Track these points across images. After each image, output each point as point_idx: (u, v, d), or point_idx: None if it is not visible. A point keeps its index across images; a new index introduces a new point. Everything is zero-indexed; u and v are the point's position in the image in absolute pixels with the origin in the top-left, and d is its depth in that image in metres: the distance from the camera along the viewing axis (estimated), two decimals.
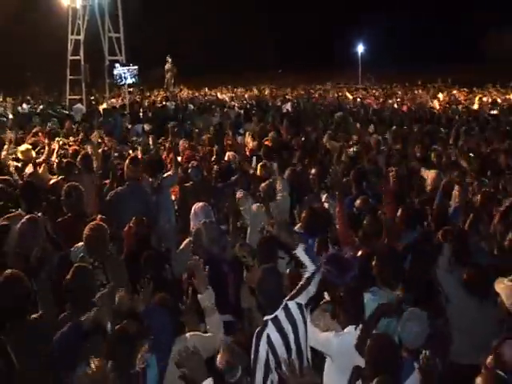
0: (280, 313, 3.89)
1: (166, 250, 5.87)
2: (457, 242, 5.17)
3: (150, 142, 10.67)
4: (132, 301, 4.01)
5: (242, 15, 37.98)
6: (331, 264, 4.63)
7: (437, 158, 9.02)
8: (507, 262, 5.04)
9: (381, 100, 22.86)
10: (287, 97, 24.58)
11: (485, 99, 21.38)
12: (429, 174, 8.25)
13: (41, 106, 19.89)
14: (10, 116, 15.60)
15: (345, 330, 4.07)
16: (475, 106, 19.56)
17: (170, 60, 22.82)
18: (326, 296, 4.57)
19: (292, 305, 3.96)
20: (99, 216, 6.03)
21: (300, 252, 4.12)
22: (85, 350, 3.54)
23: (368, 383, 3.48)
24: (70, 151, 9.19)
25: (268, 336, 3.80)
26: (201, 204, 6.20)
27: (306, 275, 4.09)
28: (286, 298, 3.99)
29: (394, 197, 6.40)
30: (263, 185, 7.00)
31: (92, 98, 22.42)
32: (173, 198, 7.66)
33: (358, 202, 6.43)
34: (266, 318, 3.91)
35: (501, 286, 4.10)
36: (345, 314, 4.11)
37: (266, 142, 10.28)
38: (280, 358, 3.76)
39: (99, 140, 10.60)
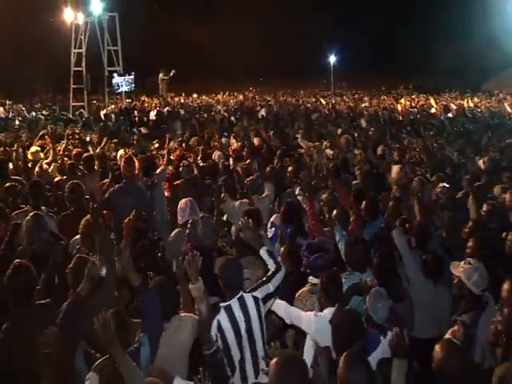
0: (234, 302, 3.76)
1: (157, 238, 5.86)
2: (419, 232, 5.26)
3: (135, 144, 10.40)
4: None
5: (231, 28, 37.94)
6: (311, 251, 4.66)
7: (399, 156, 9.07)
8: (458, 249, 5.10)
9: (351, 104, 22.89)
10: (269, 103, 24.45)
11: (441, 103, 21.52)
12: (393, 169, 8.29)
13: (46, 112, 19.69)
14: (17, 122, 15.43)
15: (324, 311, 4.07)
16: (432, 110, 19.66)
17: (162, 70, 22.71)
18: (314, 280, 4.50)
19: (247, 297, 3.81)
20: (105, 212, 5.97)
21: (263, 253, 4.05)
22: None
23: (338, 355, 3.48)
24: (73, 153, 9.08)
25: (218, 322, 3.68)
26: (186, 199, 6.09)
27: (268, 273, 4.01)
28: (247, 290, 3.88)
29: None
30: (248, 179, 7.03)
31: (95, 103, 22.33)
32: (166, 194, 7.62)
33: (324, 196, 6.41)
34: (220, 304, 3.80)
35: (459, 269, 4.11)
36: (325, 296, 4.12)
37: (255, 142, 10.25)
38: (228, 342, 3.67)
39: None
